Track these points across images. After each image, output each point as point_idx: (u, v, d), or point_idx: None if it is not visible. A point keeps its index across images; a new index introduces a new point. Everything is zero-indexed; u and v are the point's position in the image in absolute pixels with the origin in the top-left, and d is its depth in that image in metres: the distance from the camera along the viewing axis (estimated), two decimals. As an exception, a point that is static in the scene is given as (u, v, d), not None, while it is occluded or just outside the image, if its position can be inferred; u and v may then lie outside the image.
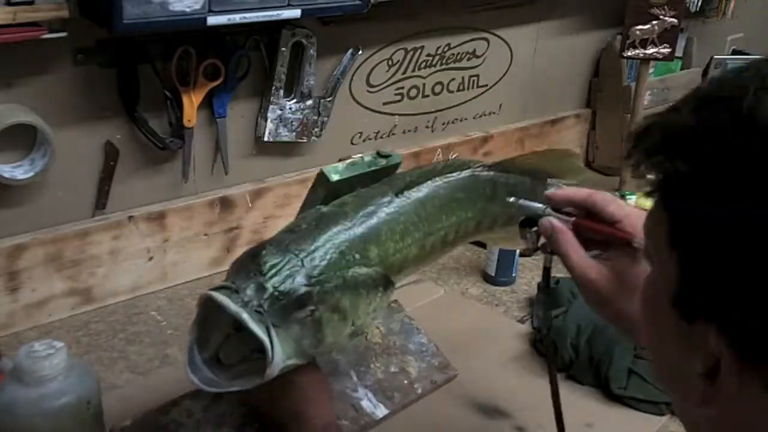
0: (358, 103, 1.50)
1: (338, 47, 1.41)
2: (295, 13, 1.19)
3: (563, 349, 1.17)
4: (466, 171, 0.95)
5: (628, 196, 1.44)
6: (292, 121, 1.37)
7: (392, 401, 1.03)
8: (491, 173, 0.97)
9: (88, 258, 1.22)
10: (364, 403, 1.00)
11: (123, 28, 1.04)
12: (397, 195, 0.90)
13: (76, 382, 0.86)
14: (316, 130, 1.41)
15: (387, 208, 0.88)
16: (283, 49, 1.31)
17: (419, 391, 1.07)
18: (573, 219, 0.76)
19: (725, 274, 0.45)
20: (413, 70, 1.56)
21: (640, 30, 1.64)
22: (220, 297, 0.77)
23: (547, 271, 0.79)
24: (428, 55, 1.57)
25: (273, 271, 0.79)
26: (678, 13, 1.64)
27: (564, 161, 1.04)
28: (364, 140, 1.53)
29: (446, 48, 1.59)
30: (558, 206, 0.78)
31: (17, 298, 1.17)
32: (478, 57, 1.65)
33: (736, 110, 0.44)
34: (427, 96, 1.61)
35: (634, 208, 0.77)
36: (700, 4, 1.93)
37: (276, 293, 0.77)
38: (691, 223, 0.47)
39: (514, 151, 1.78)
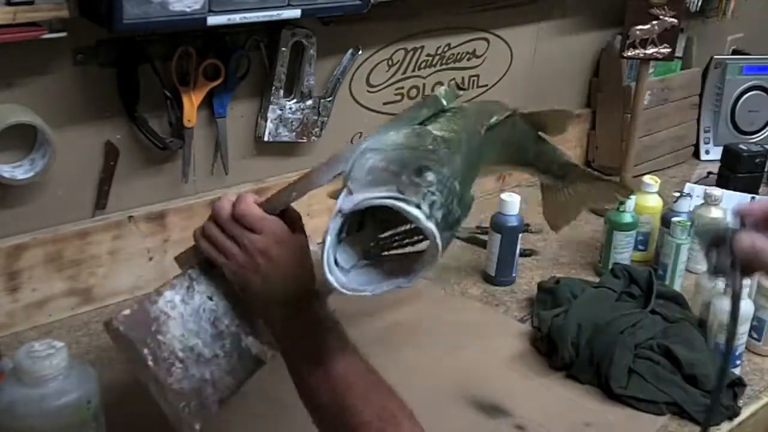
0: (358, 103, 1.50)
1: (338, 47, 1.41)
2: (295, 13, 1.19)
3: (564, 348, 1.17)
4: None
5: (628, 196, 1.44)
6: (292, 121, 1.37)
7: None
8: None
9: (88, 258, 1.22)
10: None
11: (123, 28, 1.04)
12: (485, 132, 0.96)
13: (76, 382, 0.86)
14: (316, 130, 1.41)
15: (478, 146, 0.94)
16: (283, 49, 1.31)
17: None
18: None
19: None
20: (413, 70, 1.56)
21: (640, 30, 1.64)
22: (410, 209, 0.74)
23: (736, 297, 0.76)
24: (428, 55, 1.57)
25: (440, 189, 0.77)
26: (678, 13, 1.64)
27: (560, 119, 1.15)
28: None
29: (446, 48, 1.59)
30: (754, 220, 0.75)
31: (17, 298, 1.17)
32: (478, 57, 1.65)
33: None
34: (427, 96, 1.60)
35: None
36: (700, 4, 1.93)
37: (445, 211, 0.76)
38: None
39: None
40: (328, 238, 0.76)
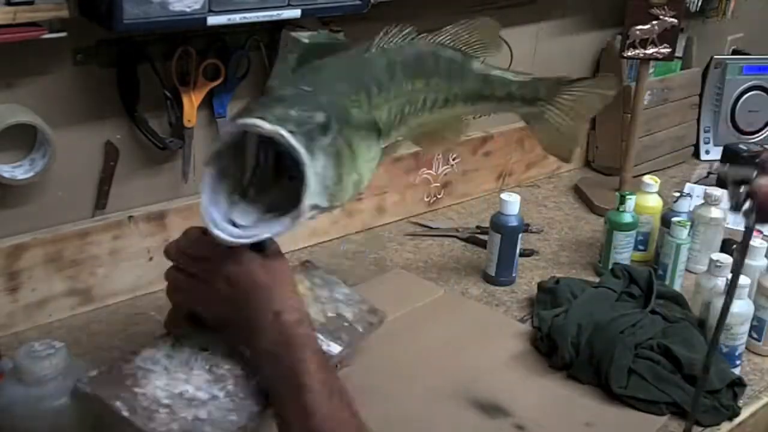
0: (358, 103, 1.50)
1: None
2: (295, 13, 1.18)
3: (564, 348, 1.17)
4: (422, 44, 0.98)
5: (628, 197, 1.44)
6: (292, 121, 1.37)
7: (342, 340, 0.99)
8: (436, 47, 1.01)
9: (88, 258, 1.22)
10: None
11: (123, 28, 1.04)
12: (365, 53, 0.92)
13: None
14: (316, 130, 1.41)
15: (364, 66, 0.90)
16: (283, 49, 1.31)
17: (361, 330, 1.04)
18: None
19: None
20: (413, 70, 1.56)
21: (640, 30, 1.64)
22: (251, 120, 0.75)
23: (749, 231, 0.82)
24: (428, 55, 1.57)
25: (292, 99, 0.78)
26: (678, 13, 1.64)
27: (489, 33, 1.06)
28: (364, 140, 1.53)
29: (446, 48, 1.59)
30: None
31: (17, 298, 1.17)
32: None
33: None
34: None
35: None
36: (700, 4, 1.93)
37: (303, 116, 0.76)
38: None
39: (513, 151, 1.78)
40: (206, 189, 0.77)
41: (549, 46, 1.77)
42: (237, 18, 1.13)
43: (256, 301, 0.82)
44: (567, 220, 1.69)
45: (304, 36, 0.91)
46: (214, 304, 0.83)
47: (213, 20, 1.11)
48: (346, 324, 1.02)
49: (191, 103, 1.24)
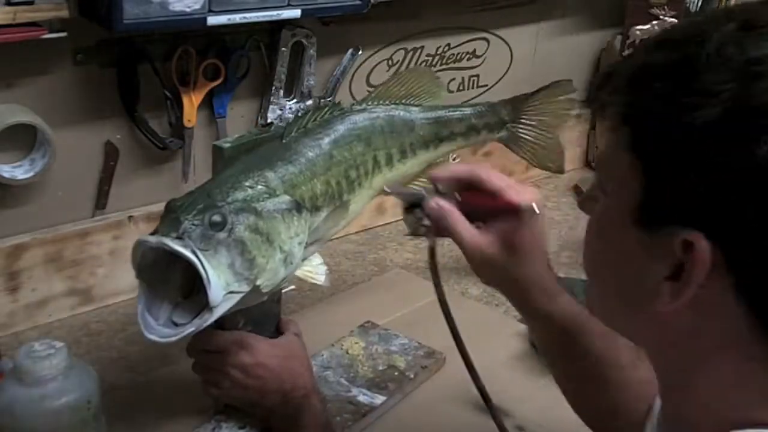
0: (358, 103, 1.50)
1: (338, 47, 1.41)
2: (295, 13, 1.19)
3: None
4: (350, 113, 0.99)
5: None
6: (292, 121, 1.38)
7: (387, 390, 1.07)
8: (372, 111, 1.01)
9: (88, 258, 1.22)
10: (361, 398, 1.04)
11: (123, 28, 1.04)
12: (282, 139, 0.95)
13: (76, 382, 0.86)
14: (316, 130, 1.41)
15: (278, 150, 0.93)
16: (283, 49, 1.31)
17: (412, 376, 1.10)
18: (458, 197, 0.80)
19: (691, 173, 0.51)
20: (413, 70, 1.56)
21: (640, 30, 1.64)
22: (142, 239, 0.82)
23: (432, 250, 0.85)
24: (428, 55, 1.57)
25: (183, 207, 0.84)
26: (678, 13, 1.64)
27: (424, 79, 1.07)
28: (364, 140, 1.53)
29: (446, 48, 1.59)
30: (443, 185, 0.82)
31: (17, 298, 1.17)
32: (478, 57, 1.65)
33: (696, 46, 0.53)
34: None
35: (511, 180, 0.81)
36: (700, 4, 1.93)
37: (192, 221, 0.82)
38: (657, 139, 0.53)
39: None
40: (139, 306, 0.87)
41: (549, 46, 1.77)
42: (237, 18, 1.13)
43: (266, 385, 0.93)
44: (567, 220, 1.69)
45: (227, 141, 0.96)
46: (234, 391, 0.93)
47: (213, 20, 1.11)
48: (396, 374, 1.10)
49: (191, 103, 1.24)
